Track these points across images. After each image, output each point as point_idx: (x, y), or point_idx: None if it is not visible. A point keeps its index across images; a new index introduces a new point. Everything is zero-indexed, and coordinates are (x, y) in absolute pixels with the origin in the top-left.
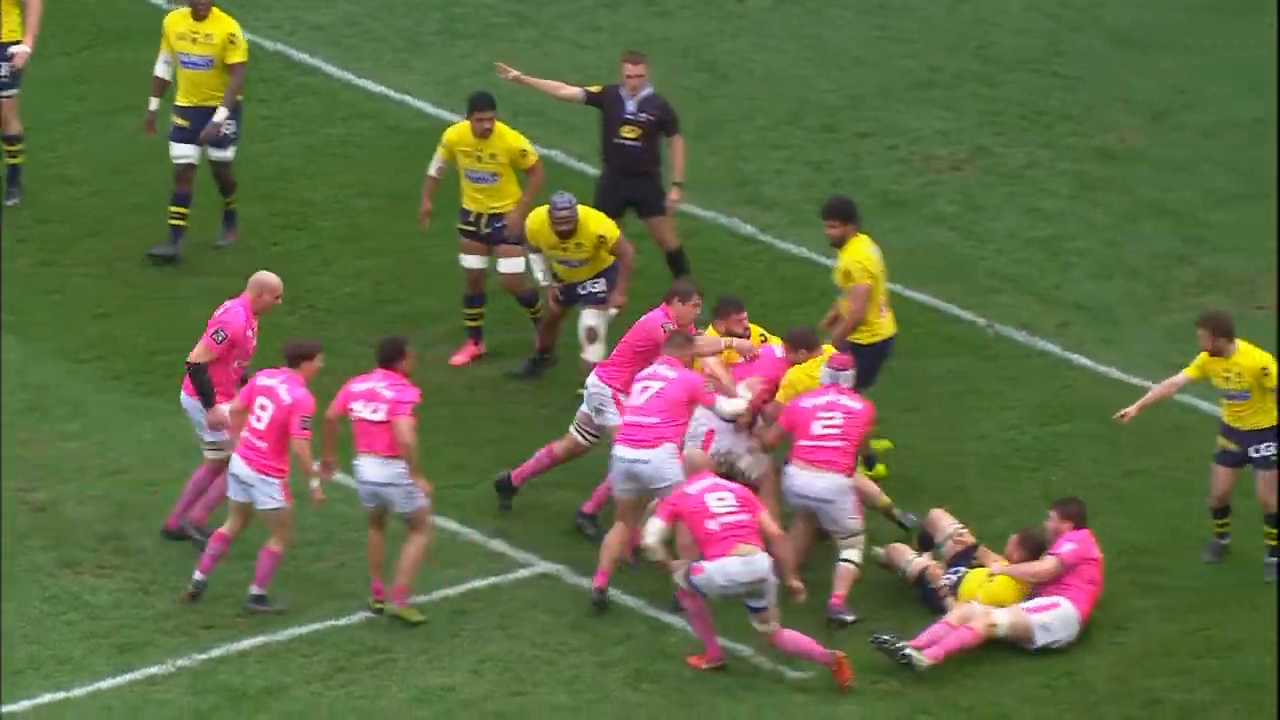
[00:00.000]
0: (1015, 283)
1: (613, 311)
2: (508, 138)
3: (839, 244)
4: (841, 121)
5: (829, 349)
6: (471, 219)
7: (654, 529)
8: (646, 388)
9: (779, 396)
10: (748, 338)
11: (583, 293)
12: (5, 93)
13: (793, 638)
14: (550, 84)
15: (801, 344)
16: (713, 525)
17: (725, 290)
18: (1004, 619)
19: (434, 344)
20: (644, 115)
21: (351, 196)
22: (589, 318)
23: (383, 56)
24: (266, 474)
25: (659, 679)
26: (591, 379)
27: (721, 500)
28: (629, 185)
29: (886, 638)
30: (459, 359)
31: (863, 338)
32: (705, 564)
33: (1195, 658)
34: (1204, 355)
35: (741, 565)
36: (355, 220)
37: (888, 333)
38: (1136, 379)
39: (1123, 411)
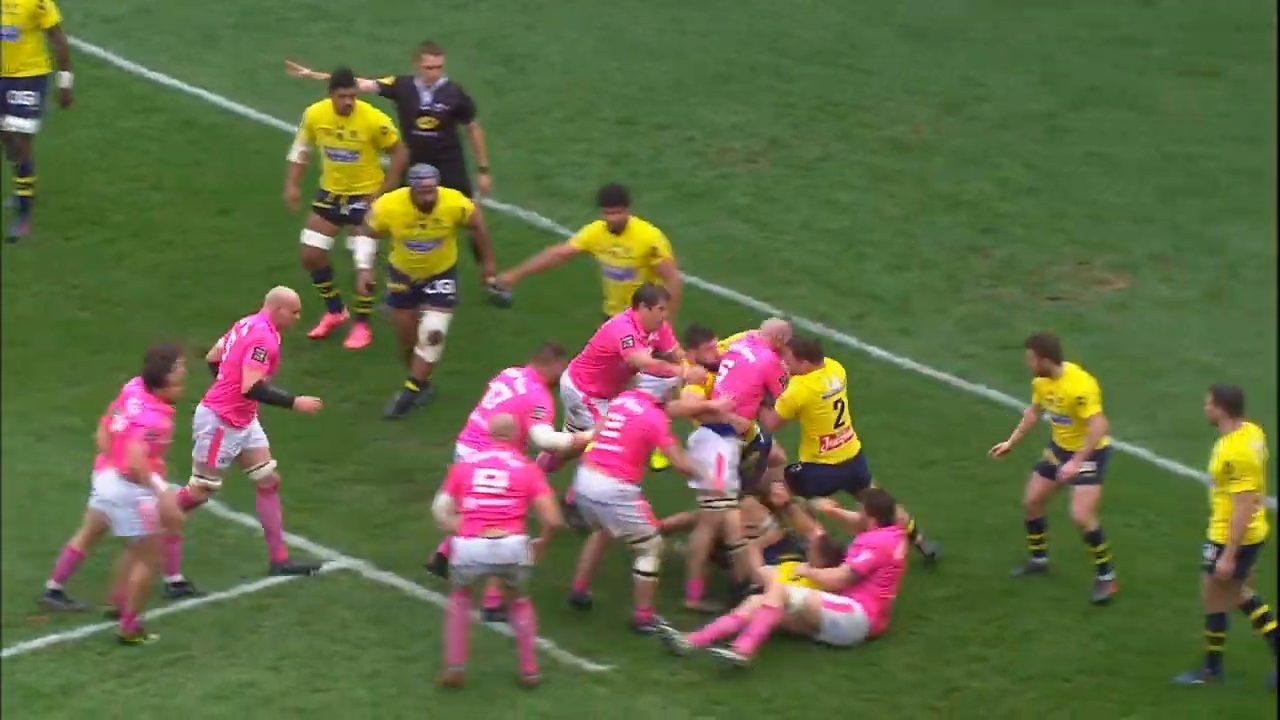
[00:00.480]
0: (811, 274)
1: (444, 319)
2: (369, 115)
3: (622, 228)
4: (639, 114)
5: (831, 364)
6: (330, 199)
7: (439, 502)
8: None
9: (780, 410)
10: (718, 366)
11: (430, 292)
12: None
13: (527, 628)
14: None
15: (806, 355)
16: (470, 503)
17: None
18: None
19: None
20: (440, 106)
21: (145, 190)
22: (435, 321)
23: (175, 49)
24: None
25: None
26: (565, 379)
27: (490, 479)
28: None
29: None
30: (318, 331)
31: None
32: (456, 541)
33: (990, 646)
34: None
35: (485, 548)
36: (149, 214)
37: None
38: (931, 370)
39: (996, 447)
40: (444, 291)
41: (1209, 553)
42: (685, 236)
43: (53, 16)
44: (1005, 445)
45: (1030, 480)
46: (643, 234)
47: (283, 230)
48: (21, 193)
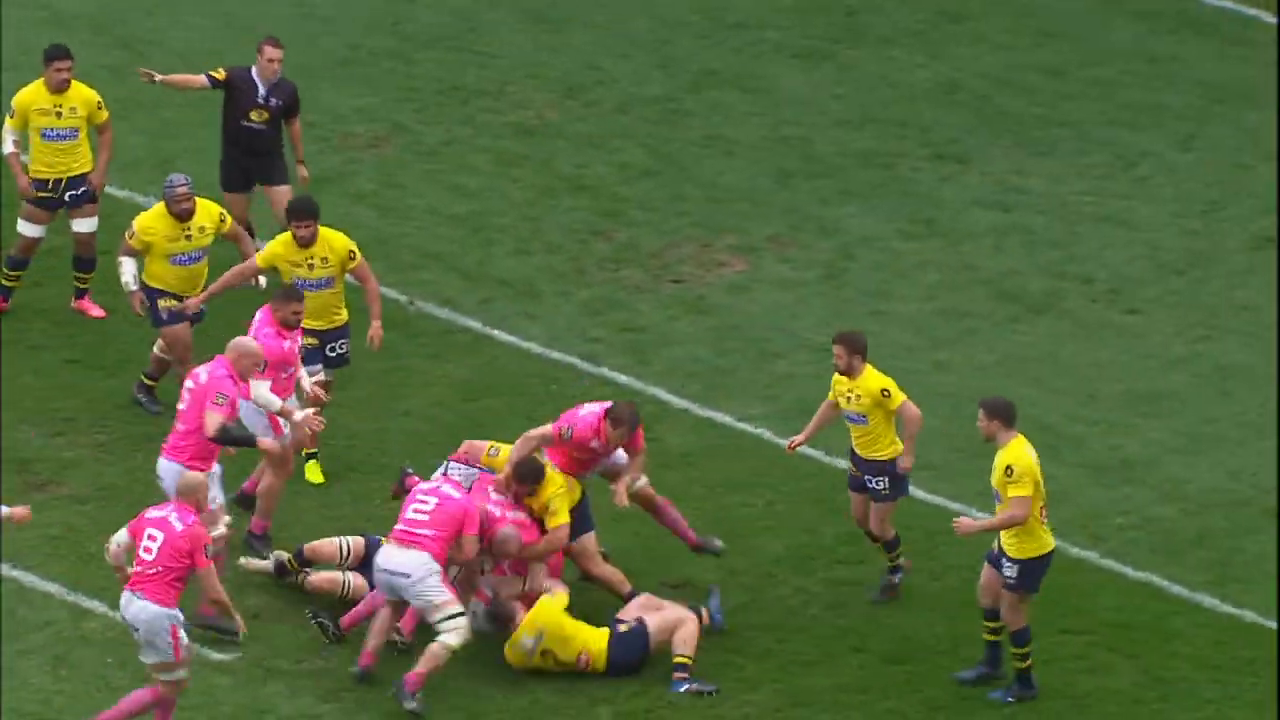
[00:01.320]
0: (438, 259)
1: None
2: (84, 90)
3: (313, 240)
4: None
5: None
6: (49, 186)
7: (117, 539)
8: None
9: None
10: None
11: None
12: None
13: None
14: (185, 78)
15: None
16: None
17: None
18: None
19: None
20: (274, 100)
21: None
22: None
23: None
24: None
25: (78, 665)
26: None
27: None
28: (253, 164)
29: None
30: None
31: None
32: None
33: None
34: (835, 373)
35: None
36: None
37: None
38: (557, 353)
39: (791, 441)
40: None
41: (1009, 570)
42: None
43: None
44: (799, 439)
45: (852, 500)
46: (337, 241)
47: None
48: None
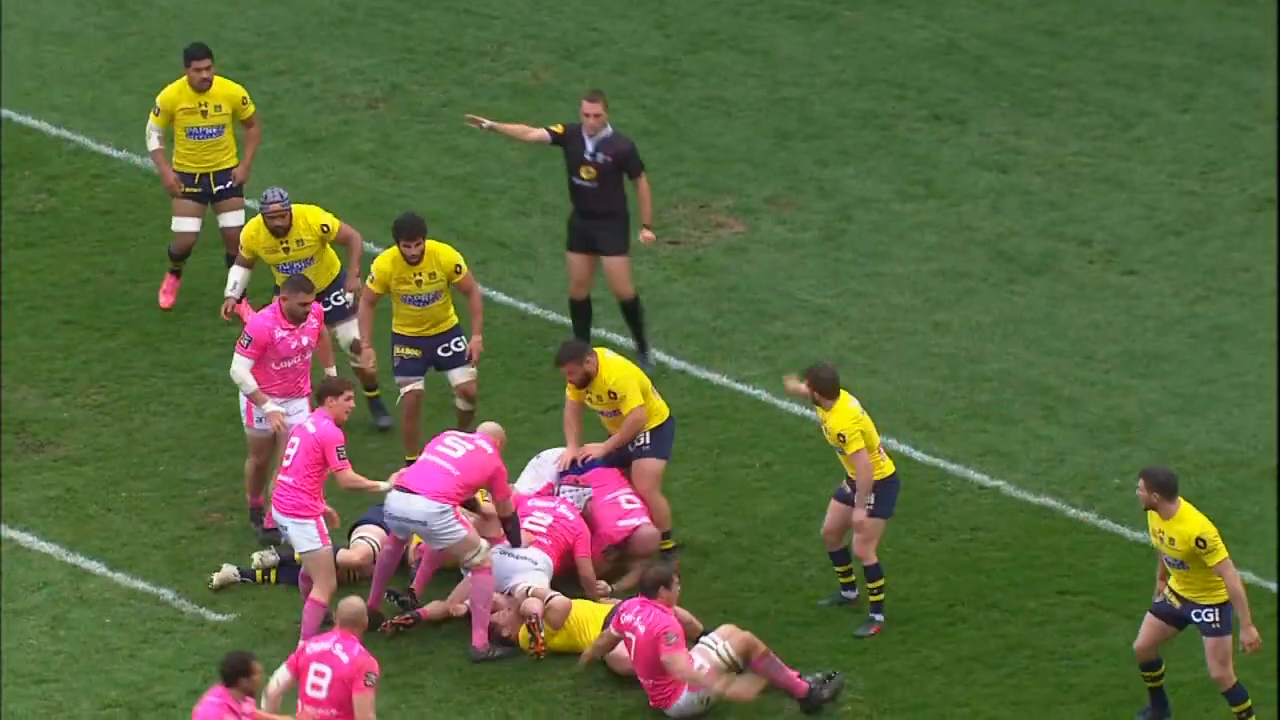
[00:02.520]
0: (434, 221)
1: (350, 297)
2: (229, 86)
3: (420, 258)
4: (256, 59)
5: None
6: (196, 180)
7: (278, 678)
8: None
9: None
10: None
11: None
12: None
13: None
14: (518, 128)
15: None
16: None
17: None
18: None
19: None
20: (601, 156)
21: None
22: (461, 376)
23: None
24: (298, 516)
25: (76, 625)
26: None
27: (319, 678)
28: (589, 226)
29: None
30: (167, 300)
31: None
32: None
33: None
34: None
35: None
36: None
37: None
38: (554, 314)
39: None
40: (339, 305)
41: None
42: (307, 184)
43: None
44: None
45: (830, 508)
46: (444, 256)
47: None
48: None
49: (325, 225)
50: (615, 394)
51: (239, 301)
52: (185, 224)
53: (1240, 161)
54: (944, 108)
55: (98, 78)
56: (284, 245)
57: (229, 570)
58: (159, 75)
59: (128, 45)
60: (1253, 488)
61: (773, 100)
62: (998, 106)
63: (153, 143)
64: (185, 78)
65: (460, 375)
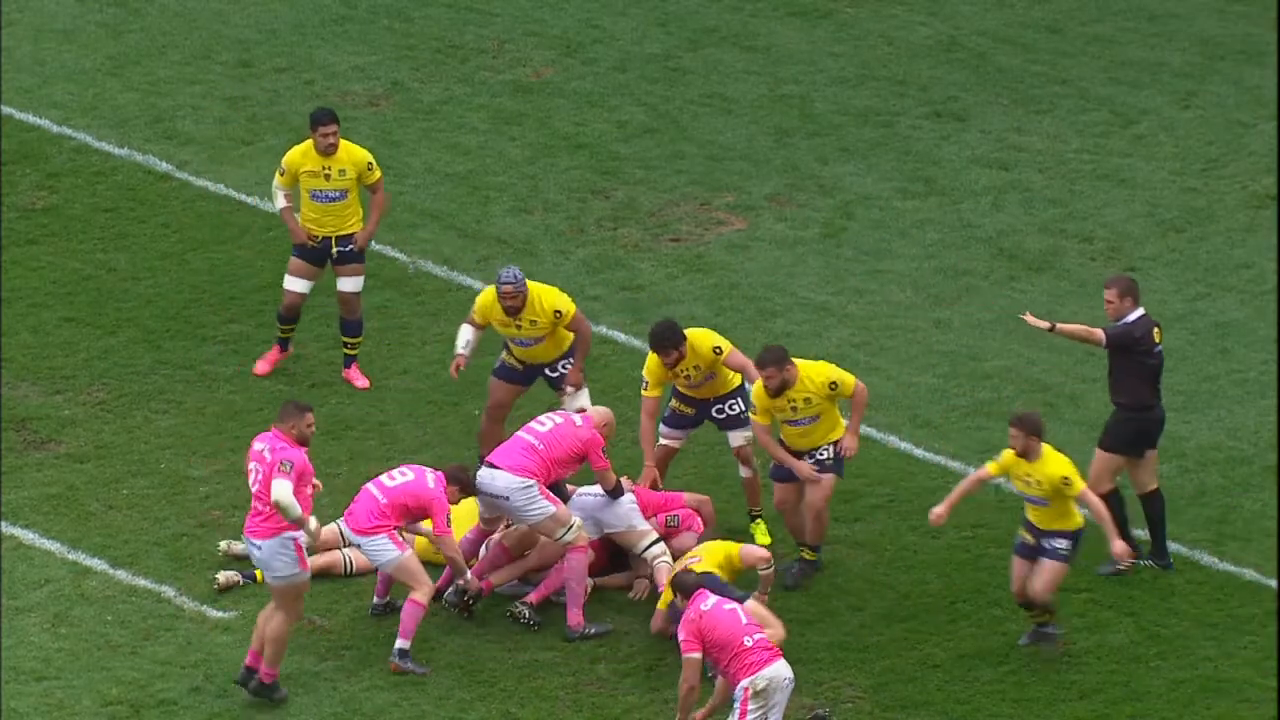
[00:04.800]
0: (435, 218)
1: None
2: (354, 152)
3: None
4: (257, 56)
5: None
6: (317, 240)
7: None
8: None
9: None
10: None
11: (551, 375)
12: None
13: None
14: (1086, 330)
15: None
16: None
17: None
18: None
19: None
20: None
21: None
22: (575, 400)
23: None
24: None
25: (77, 623)
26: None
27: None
28: None
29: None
30: (262, 368)
31: None
32: None
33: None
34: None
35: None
36: None
37: None
38: None
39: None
40: (558, 374)
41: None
42: None
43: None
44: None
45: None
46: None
47: None
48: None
49: (559, 312)
50: (834, 384)
51: (463, 356)
52: (295, 284)
53: (1242, 158)
54: (945, 105)
55: (99, 75)
56: (517, 324)
57: (231, 574)
58: (160, 72)
59: (129, 42)
60: (1254, 485)
61: (774, 97)
62: (999, 103)
63: (279, 201)
64: (310, 141)
65: (741, 439)
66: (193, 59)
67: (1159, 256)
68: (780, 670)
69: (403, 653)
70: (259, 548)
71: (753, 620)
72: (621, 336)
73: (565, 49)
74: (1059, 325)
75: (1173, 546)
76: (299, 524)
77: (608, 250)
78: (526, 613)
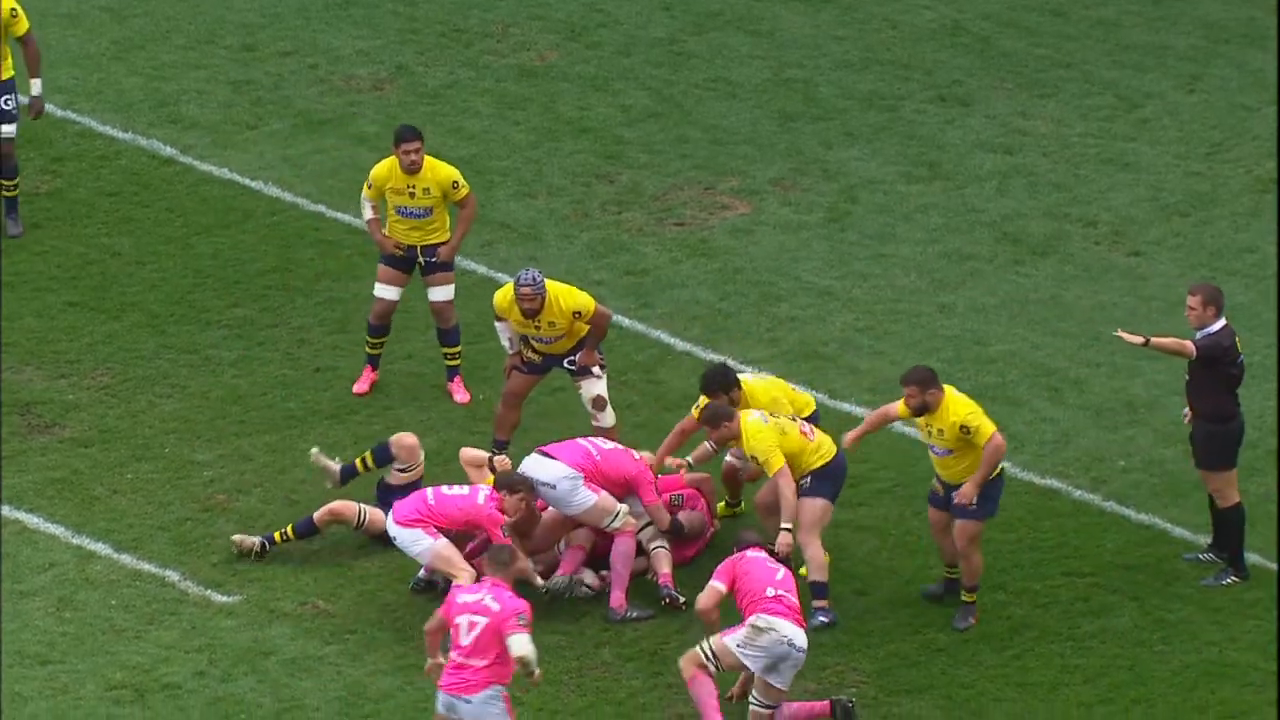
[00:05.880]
0: None
1: (596, 371)
2: (439, 170)
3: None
4: (261, 40)
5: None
6: (404, 247)
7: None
8: None
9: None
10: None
11: (570, 367)
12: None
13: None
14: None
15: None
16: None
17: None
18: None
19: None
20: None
21: None
22: (591, 387)
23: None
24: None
25: (82, 607)
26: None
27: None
28: None
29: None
30: (360, 388)
31: None
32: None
33: None
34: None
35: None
36: None
37: None
38: None
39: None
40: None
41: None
42: (312, 165)
43: (23, 24)
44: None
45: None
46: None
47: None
48: (9, 194)
49: (578, 312)
50: (967, 428)
51: (516, 354)
52: (385, 291)
53: (1246, 143)
54: (949, 89)
55: (103, 59)
56: (536, 324)
57: (252, 539)
58: (164, 56)
59: (133, 27)
60: (1257, 469)
61: (778, 82)
62: (1003, 88)
63: (367, 213)
64: (395, 158)
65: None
66: (197, 43)
67: (1163, 241)
68: (785, 627)
69: None
70: (468, 702)
71: (788, 584)
72: (626, 321)
73: (569, 33)
74: (1153, 339)
75: (1176, 531)
76: (523, 663)
77: (612, 234)
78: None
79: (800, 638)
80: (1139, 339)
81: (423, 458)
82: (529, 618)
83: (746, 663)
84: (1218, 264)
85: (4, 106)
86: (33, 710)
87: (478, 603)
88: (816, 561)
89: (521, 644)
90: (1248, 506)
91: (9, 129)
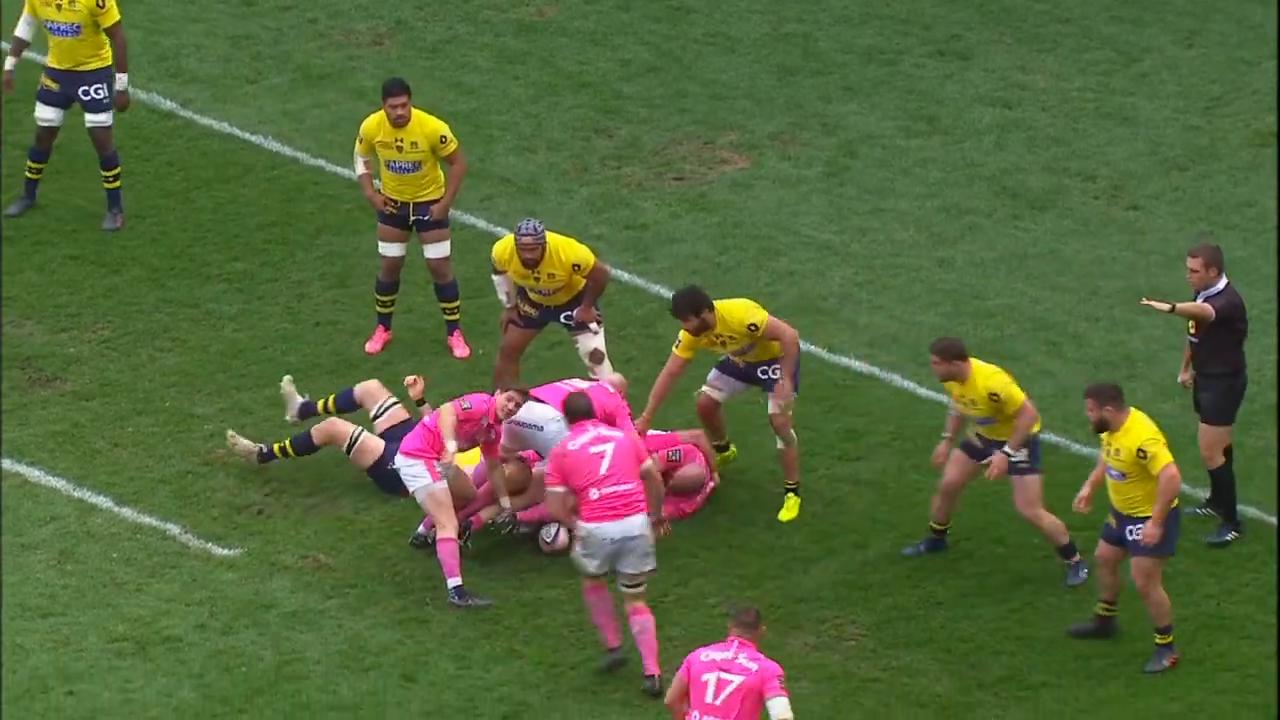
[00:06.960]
0: None
1: (594, 327)
2: (427, 124)
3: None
4: None
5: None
6: (396, 205)
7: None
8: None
9: None
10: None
11: (567, 322)
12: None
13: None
14: None
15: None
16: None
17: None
18: None
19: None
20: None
21: None
22: (589, 341)
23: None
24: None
25: (83, 560)
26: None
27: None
28: None
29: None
30: (372, 346)
31: None
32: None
33: None
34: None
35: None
36: None
37: None
38: None
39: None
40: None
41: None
42: (312, 119)
43: (112, 15)
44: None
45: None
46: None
47: None
48: (109, 185)
49: (578, 264)
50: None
51: (512, 308)
52: (389, 249)
53: (1245, 97)
54: (948, 44)
55: None
56: (535, 275)
57: (250, 445)
58: (163, 10)
59: None
60: (1255, 423)
61: (777, 36)
62: (1002, 42)
63: (358, 167)
64: (384, 112)
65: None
66: None
67: (1161, 195)
68: (608, 529)
69: (459, 590)
70: None
71: (619, 469)
72: (625, 276)
73: None
74: (1178, 306)
75: None
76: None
77: (611, 189)
78: (510, 524)
79: (628, 528)
80: (1165, 306)
81: (390, 397)
82: (783, 677)
83: (589, 566)
84: (1216, 218)
85: (95, 96)
86: (34, 662)
87: (729, 661)
88: (1058, 527)
89: (783, 707)
90: (1246, 460)
91: (100, 118)
